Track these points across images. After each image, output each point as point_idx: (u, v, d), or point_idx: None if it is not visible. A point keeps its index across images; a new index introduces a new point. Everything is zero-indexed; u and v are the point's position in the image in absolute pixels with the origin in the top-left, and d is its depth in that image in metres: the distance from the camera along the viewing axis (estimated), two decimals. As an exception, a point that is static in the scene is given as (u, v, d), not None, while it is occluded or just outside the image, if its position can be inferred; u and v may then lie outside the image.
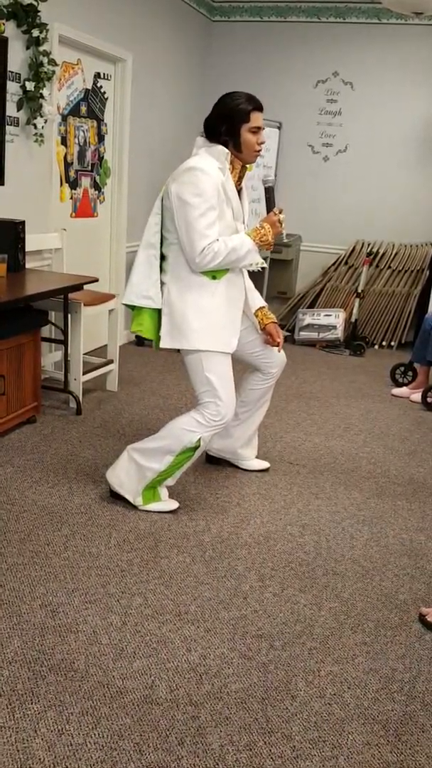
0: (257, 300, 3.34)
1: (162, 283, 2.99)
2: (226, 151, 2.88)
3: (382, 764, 1.90)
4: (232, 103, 2.86)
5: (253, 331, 3.32)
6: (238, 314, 3.07)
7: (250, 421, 3.57)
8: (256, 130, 2.89)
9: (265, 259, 6.68)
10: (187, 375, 3.09)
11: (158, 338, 3.03)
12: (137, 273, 3.00)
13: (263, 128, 2.94)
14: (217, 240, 2.84)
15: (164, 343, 3.00)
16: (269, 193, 3.10)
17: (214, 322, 2.96)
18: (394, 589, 2.74)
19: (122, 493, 3.16)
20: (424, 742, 1.98)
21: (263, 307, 3.35)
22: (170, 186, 2.87)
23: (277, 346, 3.33)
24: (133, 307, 3.06)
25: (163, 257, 3.00)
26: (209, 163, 2.84)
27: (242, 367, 3.39)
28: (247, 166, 3.03)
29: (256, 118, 2.88)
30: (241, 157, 2.94)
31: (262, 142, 2.94)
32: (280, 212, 3.03)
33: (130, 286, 3.02)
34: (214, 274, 2.94)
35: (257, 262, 2.99)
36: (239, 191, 3.04)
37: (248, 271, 3.15)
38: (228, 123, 2.86)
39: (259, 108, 2.89)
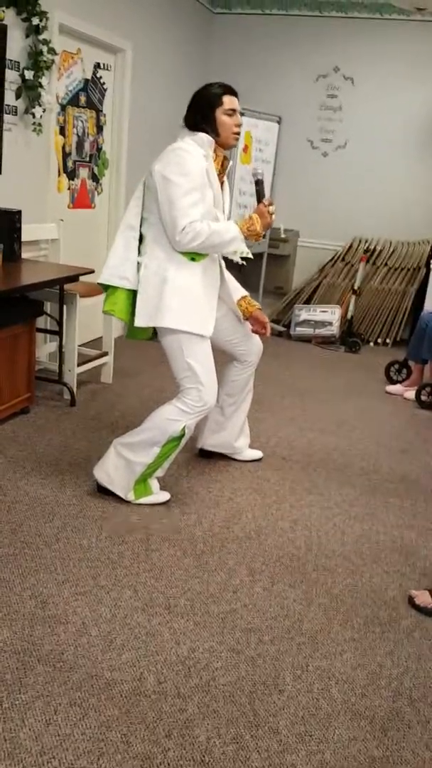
0: (239, 290, 3.35)
1: (138, 264, 2.98)
2: (210, 138, 2.92)
3: (367, 759, 1.91)
4: (204, 91, 2.96)
5: (231, 318, 3.33)
6: (214, 300, 3.05)
7: (239, 412, 3.58)
8: (231, 113, 2.94)
9: (260, 254, 6.70)
10: (167, 360, 3.08)
11: (131, 319, 3.03)
12: (115, 254, 3.00)
13: (239, 111, 2.98)
14: (201, 221, 2.84)
15: (139, 322, 2.99)
16: (259, 185, 3.10)
17: (190, 302, 2.95)
18: (384, 585, 2.75)
19: (112, 490, 3.15)
20: (410, 738, 1.99)
21: (246, 295, 3.35)
22: (154, 166, 2.89)
23: (265, 331, 3.34)
24: (107, 287, 3.05)
25: (141, 238, 3.00)
26: (194, 147, 2.89)
27: (221, 361, 3.38)
28: (229, 158, 3.06)
29: (229, 101, 2.93)
30: (221, 141, 2.97)
31: (239, 125, 2.98)
32: (269, 204, 3.04)
33: (106, 267, 3.01)
34: (193, 255, 2.94)
35: (242, 250, 2.97)
36: (221, 184, 3.05)
37: (236, 264, 3.14)
38: (202, 110, 2.93)
39: (231, 92, 2.96)
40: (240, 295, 3.34)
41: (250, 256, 3.05)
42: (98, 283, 3.08)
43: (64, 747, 1.85)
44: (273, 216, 3.06)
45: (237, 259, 3.03)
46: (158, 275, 2.94)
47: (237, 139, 3.01)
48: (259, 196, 3.08)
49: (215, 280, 3.09)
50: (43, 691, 2.04)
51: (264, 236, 6.49)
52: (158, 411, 3.08)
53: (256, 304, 3.35)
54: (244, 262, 3.08)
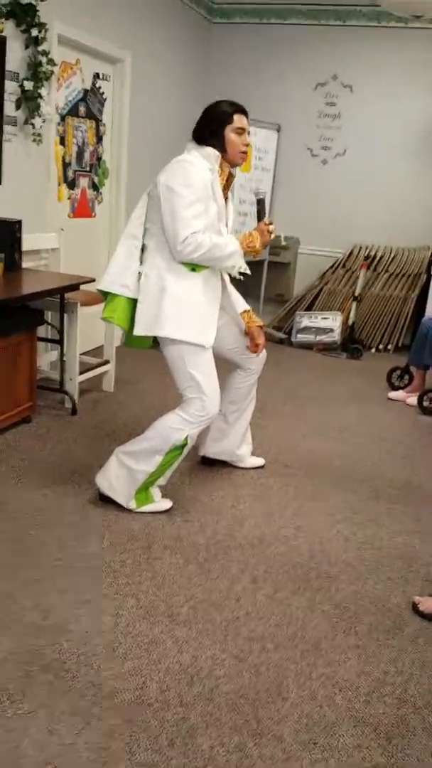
0: (241, 303, 3.36)
1: (139, 274, 3.00)
2: (216, 152, 2.94)
3: (372, 767, 1.90)
4: (215, 108, 2.99)
5: (233, 327, 3.33)
6: (214, 312, 3.06)
7: (241, 420, 3.58)
8: (240, 132, 2.97)
9: (261, 262, 6.71)
10: (169, 370, 3.08)
11: (130, 327, 3.04)
12: (116, 262, 3.03)
13: (248, 131, 3.01)
14: (203, 233, 2.86)
15: (138, 330, 3.00)
16: (260, 205, 3.16)
17: (189, 312, 2.96)
18: (388, 592, 2.74)
19: (114, 498, 3.14)
20: (414, 745, 1.98)
21: (248, 310, 3.36)
22: (159, 177, 2.91)
23: (257, 351, 3.34)
24: (106, 294, 3.06)
25: (143, 248, 3.01)
26: (200, 160, 2.91)
27: (225, 369, 3.38)
28: (234, 174, 3.10)
29: (239, 119, 2.97)
30: (228, 158, 2.99)
31: (247, 144, 3.01)
32: (269, 223, 3.09)
33: (107, 274, 3.03)
34: (193, 266, 2.95)
35: (240, 265, 3.00)
36: (225, 199, 3.07)
37: (234, 277, 3.17)
38: (212, 126, 2.95)
39: (241, 111, 2.99)
40: (242, 308, 3.35)
41: (248, 271, 3.07)
42: (98, 290, 3.09)
43: (67, 757, 1.84)
44: (272, 235, 3.10)
45: (235, 273, 3.07)
46: (158, 285, 2.95)
47: (244, 159, 3.04)
48: (260, 214, 3.14)
49: (216, 291, 3.10)
50: (46, 700, 2.03)
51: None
52: (161, 420, 3.07)
53: (257, 321, 3.35)
54: (242, 277, 3.10)
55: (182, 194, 2.83)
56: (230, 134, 2.95)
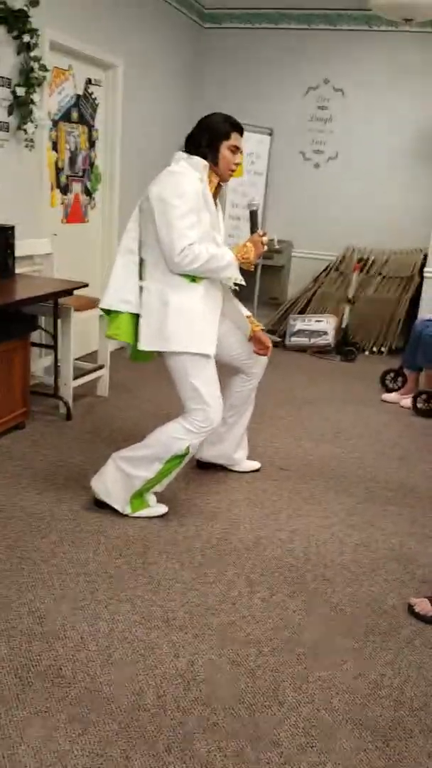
0: (242, 308, 3.37)
1: (141, 288, 3.00)
2: (205, 162, 2.96)
3: (370, 770, 1.89)
4: (215, 120, 3.01)
5: (235, 333, 3.33)
6: (215, 321, 3.06)
7: (239, 424, 3.58)
8: (234, 150, 3.00)
9: (255, 266, 6.71)
10: (172, 381, 3.09)
11: (135, 342, 3.04)
12: (115, 278, 3.02)
13: (241, 150, 3.05)
14: (199, 244, 2.86)
15: (143, 346, 3.00)
16: (254, 217, 3.17)
17: (192, 323, 2.96)
18: (384, 594, 2.74)
19: (109, 503, 3.14)
20: (411, 748, 1.98)
21: (249, 315, 3.37)
22: (151, 189, 2.91)
23: (266, 352, 3.34)
24: (108, 312, 3.06)
25: (141, 262, 3.02)
26: (189, 171, 2.92)
27: (225, 373, 3.38)
28: (223, 185, 3.12)
29: (235, 138, 3.01)
30: (217, 172, 3.02)
31: (239, 163, 3.05)
32: (263, 234, 3.10)
33: (108, 291, 3.03)
34: (193, 277, 2.96)
35: (235, 277, 3.01)
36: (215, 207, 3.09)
37: (230, 288, 3.18)
38: (208, 138, 2.97)
39: (238, 129, 3.02)
40: (244, 314, 3.36)
41: (243, 283, 3.08)
42: (101, 309, 3.08)
43: (64, 763, 1.83)
44: (266, 246, 3.12)
45: (230, 285, 3.08)
46: (160, 299, 2.95)
47: (231, 175, 3.07)
48: (254, 226, 3.14)
49: (217, 300, 3.10)
50: (42, 707, 2.02)
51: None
52: (163, 428, 3.07)
53: (259, 324, 3.37)
54: (237, 288, 3.11)
55: (175, 205, 2.83)
56: (224, 150, 2.98)
